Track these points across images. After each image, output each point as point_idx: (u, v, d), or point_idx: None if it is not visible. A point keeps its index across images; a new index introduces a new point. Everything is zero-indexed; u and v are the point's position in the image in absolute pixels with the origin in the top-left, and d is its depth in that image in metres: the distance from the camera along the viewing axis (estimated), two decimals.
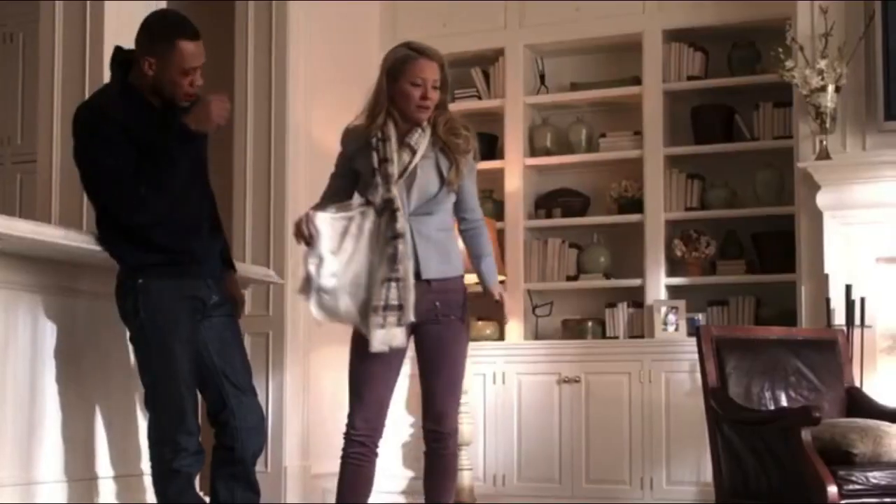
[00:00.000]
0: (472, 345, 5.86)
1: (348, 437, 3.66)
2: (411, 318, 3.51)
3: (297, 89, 5.79)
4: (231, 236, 5.73)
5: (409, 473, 6.12)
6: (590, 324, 6.09)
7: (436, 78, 3.60)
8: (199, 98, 3.54)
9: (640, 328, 5.95)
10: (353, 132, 3.67)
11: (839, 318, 5.17)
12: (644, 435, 5.74)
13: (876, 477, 3.80)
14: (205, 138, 3.60)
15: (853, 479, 3.79)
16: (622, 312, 6.01)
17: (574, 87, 6.26)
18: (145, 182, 3.43)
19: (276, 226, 5.70)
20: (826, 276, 5.26)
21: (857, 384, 4.98)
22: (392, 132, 3.57)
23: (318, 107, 5.94)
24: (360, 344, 3.59)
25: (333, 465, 5.93)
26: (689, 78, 5.98)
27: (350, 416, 3.66)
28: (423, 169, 3.58)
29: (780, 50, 5.35)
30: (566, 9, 6.14)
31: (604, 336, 6.06)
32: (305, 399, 5.79)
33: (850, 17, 5.33)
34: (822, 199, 5.28)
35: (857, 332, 5.11)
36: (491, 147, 6.33)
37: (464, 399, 5.78)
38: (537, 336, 6.22)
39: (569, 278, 6.18)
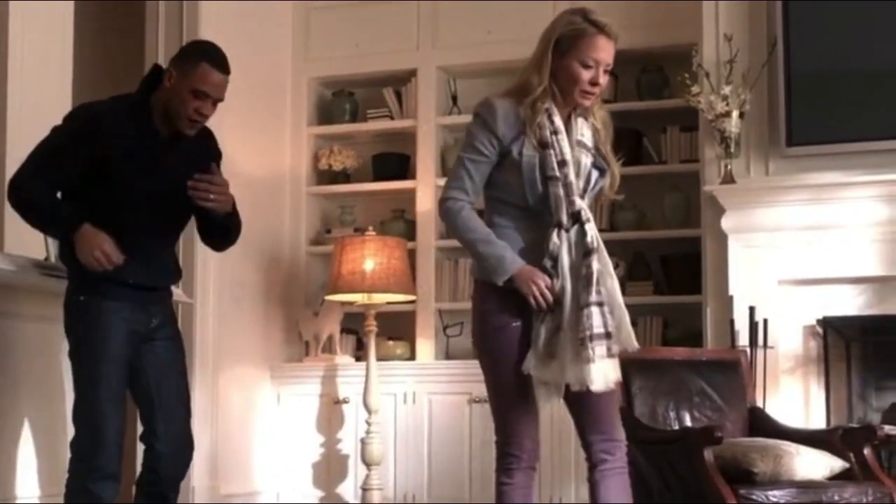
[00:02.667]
0: (381, 364, 5.96)
1: (512, 462, 3.19)
2: (621, 346, 3.05)
3: None
4: None
5: (320, 493, 6.10)
6: None
7: (610, 61, 3.08)
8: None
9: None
10: (505, 108, 3.06)
11: (743, 339, 5.27)
12: (553, 454, 5.78)
13: (775, 495, 3.87)
14: (207, 168, 3.49)
15: (753, 497, 3.86)
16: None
17: None
18: (94, 206, 3.40)
19: (185, 244, 5.64)
20: (731, 298, 5.37)
21: (760, 404, 5.09)
22: (558, 121, 3.04)
23: (227, 123, 5.89)
24: (504, 349, 3.13)
25: (242, 485, 5.98)
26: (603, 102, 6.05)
27: (510, 436, 3.18)
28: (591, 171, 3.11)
29: (687, 75, 5.46)
30: (478, 31, 6.20)
31: None
32: (214, 419, 5.75)
33: (753, 44, 5.46)
34: (726, 223, 5.39)
35: (760, 352, 5.23)
36: (403, 167, 6.36)
37: (374, 418, 5.82)
38: (448, 356, 6.24)
39: None
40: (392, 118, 6.39)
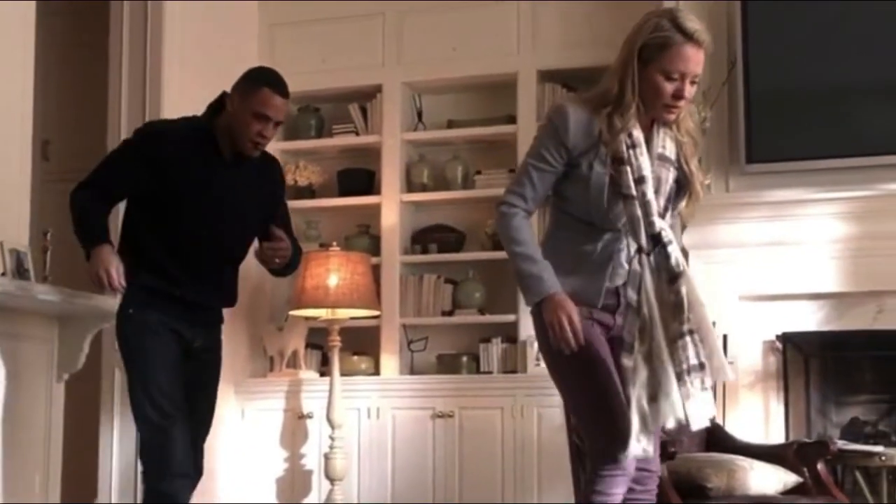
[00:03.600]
0: (345, 379, 5.97)
1: (613, 474, 2.87)
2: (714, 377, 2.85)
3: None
4: None
5: None
6: (464, 359, 6.13)
7: (698, 71, 2.84)
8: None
9: (514, 363, 6.02)
10: (579, 118, 2.85)
11: None
12: (516, 469, 5.80)
13: None
14: (280, 201, 3.78)
15: None
16: (496, 348, 6.07)
17: (451, 124, 6.34)
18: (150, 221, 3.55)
19: None
20: None
21: (720, 419, 5.13)
22: (637, 133, 2.84)
23: None
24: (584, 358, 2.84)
25: (205, 499, 5.93)
26: None
27: (612, 445, 2.83)
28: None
29: None
30: (443, 48, 6.23)
31: (478, 371, 6.11)
32: None
33: (713, 62, 5.44)
34: (686, 239, 5.42)
35: None
36: (368, 183, 6.38)
37: (337, 433, 5.82)
38: (412, 371, 6.25)
39: (444, 313, 6.22)
40: (357, 134, 6.41)
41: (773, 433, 5.34)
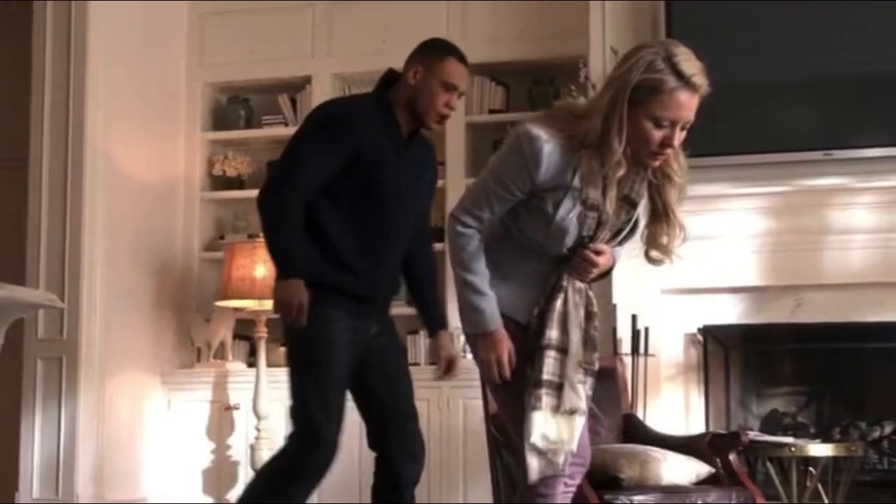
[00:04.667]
0: (272, 370, 5.95)
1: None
2: None
3: (96, 110, 5.73)
4: (24, 258, 5.63)
5: (209, 499, 6.07)
6: None
7: (691, 118, 2.62)
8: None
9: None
10: (552, 157, 2.63)
11: (626, 348, 5.36)
12: (442, 460, 5.82)
13: (640, 500, 3.94)
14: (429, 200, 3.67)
15: (618, 502, 3.91)
16: (423, 339, 6.08)
17: None
18: (329, 210, 3.42)
19: (72, 248, 5.62)
20: (614, 307, 5.45)
21: (641, 411, 5.19)
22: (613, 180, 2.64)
23: (118, 127, 5.89)
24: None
25: (130, 492, 5.93)
26: (491, 111, 6.13)
27: None
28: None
29: (574, 88, 5.53)
30: (373, 39, 6.22)
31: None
32: (100, 425, 5.70)
33: None
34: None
35: (641, 360, 5.32)
36: None
37: (264, 425, 5.81)
38: None
39: None
40: (287, 125, 6.38)
41: (694, 425, 5.41)
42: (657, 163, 2.66)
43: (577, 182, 2.64)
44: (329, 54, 6.32)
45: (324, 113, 3.60)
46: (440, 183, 5.99)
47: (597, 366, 2.82)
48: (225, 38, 6.40)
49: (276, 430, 5.92)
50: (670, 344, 5.49)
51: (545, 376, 2.72)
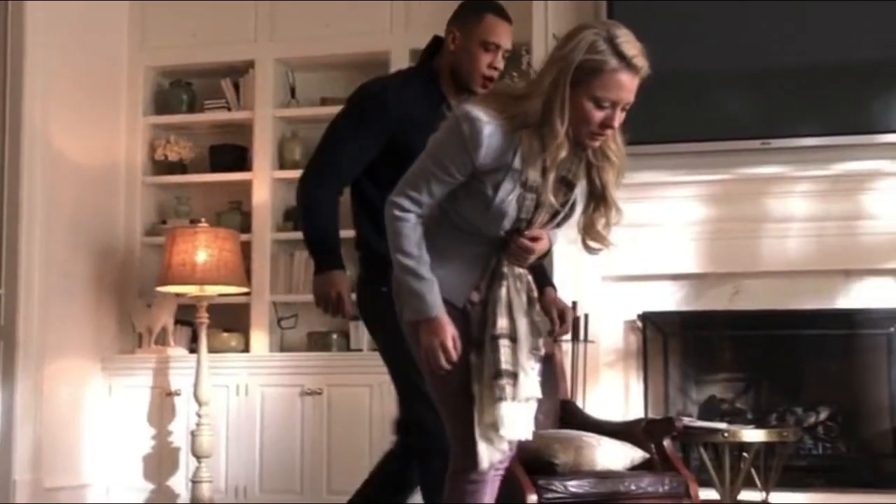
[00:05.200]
0: (215, 356, 5.94)
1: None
2: None
3: (34, 92, 5.66)
4: None
5: (150, 486, 6.04)
6: (334, 336, 6.14)
7: (631, 99, 2.63)
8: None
9: None
10: (493, 138, 2.62)
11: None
12: (384, 445, 5.78)
13: (574, 486, 3.98)
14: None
15: (552, 487, 3.95)
16: (363, 327, 6.07)
17: (324, 101, 6.32)
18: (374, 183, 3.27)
19: (9, 233, 5.57)
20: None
21: (580, 397, 5.22)
22: (552, 162, 2.63)
23: (58, 111, 5.83)
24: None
25: (69, 478, 5.89)
26: None
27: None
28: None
29: (516, 75, 5.53)
30: (316, 24, 6.20)
31: (348, 349, 6.12)
32: (38, 411, 5.66)
33: None
34: None
35: (581, 347, 5.35)
36: (240, 159, 6.34)
37: (204, 411, 5.79)
38: (283, 348, 6.24)
39: None
40: (230, 109, 6.36)
41: (633, 411, 5.45)
42: (597, 143, 2.66)
43: (517, 163, 2.63)
44: (272, 39, 6.28)
45: (359, 93, 3.48)
46: None
47: (543, 351, 2.83)
48: (167, 22, 6.35)
49: (216, 416, 5.92)
50: (610, 330, 5.52)
51: (504, 366, 2.70)
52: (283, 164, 6.30)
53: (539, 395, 2.79)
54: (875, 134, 5.32)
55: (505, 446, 2.78)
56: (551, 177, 2.65)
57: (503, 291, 2.73)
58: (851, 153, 5.34)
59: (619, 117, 2.62)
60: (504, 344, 2.71)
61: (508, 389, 2.69)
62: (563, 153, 2.62)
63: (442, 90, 3.34)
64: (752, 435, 4.52)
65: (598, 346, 5.45)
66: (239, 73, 6.35)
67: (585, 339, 5.35)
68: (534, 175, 2.63)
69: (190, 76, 6.46)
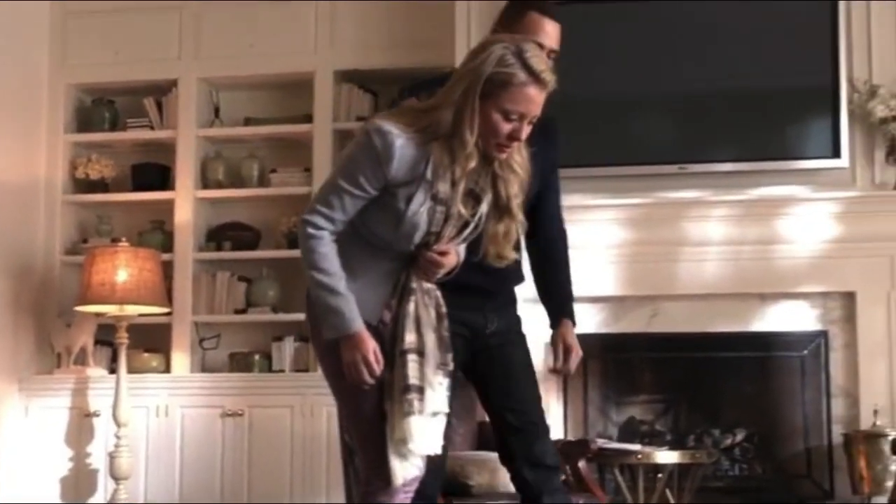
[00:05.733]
0: (135, 377, 5.88)
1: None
2: None
3: None
4: None
5: None
6: (257, 357, 6.11)
7: (538, 113, 2.68)
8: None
9: (306, 362, 6.02)
10: (405, 151, 2.65)
11: None
12: (305, 468, 5.81)
13: None
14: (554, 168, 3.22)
15: None
16: (289, 346, 6.06)
17: (248, 121, 6.31)
18: None
19: None
20: None
21: None
22: (459, 171, 2.68)
23: None
24: None
25: None
26: (359, 118, 6.12)
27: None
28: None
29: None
30: (241, 44, 6.19)
31: (270, 369, 6.10)
32: None
33: None
34: None
35: None
36: (162, 178, 6.30)
37: (123, 432, 5.73)
38: (204, 369, 6.20)
39: (237, 311, 6.19)
40: (152, 128, 6.32)
41: (553, 432, 5.45)
42: (504, 155, 2.70)
43: (429, 174, 2.66)
44: (196, 57, 6.26)
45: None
46: (306, 190, 6.03)
47: (451, 366, 2.83)
48: (89, 39, 6.30)
49: (136, 438, 5.86)
50: (531, 352, 5.53)
51: (411, 381, 2.72)
52: (206, 183, 6.27)
53: (446, 409, 2.81)
54: (789, 160, 5.45)
55: (417, 462, 2.79)
56: (460, 189, 2.68)
57: (411, 307, 2.76)
58: (766, 178, 5.45)
59: (526, 130, 2.67)
60: (412, 359, 2.74)
61: (416, 404, 2.72)
62: (473, 164, 2.67)
63: None
64: (666, 456, 4.57)
65: None
66: (162, 91, 6.31)
67: None
68: (444, 187, 2.67)
69: (112, 94, 6.40)
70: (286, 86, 6.29)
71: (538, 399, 3.25)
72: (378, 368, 2.72)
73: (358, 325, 2.71)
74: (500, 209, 2.78)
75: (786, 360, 5.54)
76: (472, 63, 2.64)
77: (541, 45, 2.93)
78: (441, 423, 2.81)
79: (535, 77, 2.63)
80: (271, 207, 6.24)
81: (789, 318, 5.48)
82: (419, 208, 2.67)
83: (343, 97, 6.13)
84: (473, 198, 2.74)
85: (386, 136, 2.64)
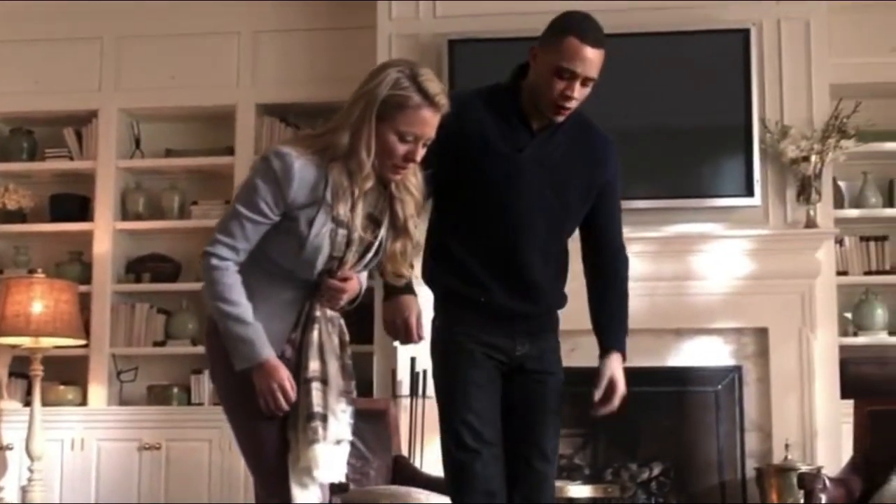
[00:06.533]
0: (50, 409, 5.81)
1: None
2: None
3: None
4: None
5: None
6: (175, 390, 6.07)
7: (432, 135, 2.72)
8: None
9: None
10: (304, 172, 2.67)
11: (405, 390, 5.42)
12: (223, 501, 5.77)
13: None
14: (607, 188, 3.06)
15: None
16: (208, 379, 6.02)
17: (169, 153, 6.29)
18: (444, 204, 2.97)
19: None
20: (395, 349, 5.51)
21: (418, 453, 5.24)
22: (358, 193, 2.71)
23: None
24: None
25: None
26: None
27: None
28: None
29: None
30: (162, 76, 6.18)
31: (189, 402, 6.06)
32: None
33: None
34: None
35: (421, 402, 5.38)
36: (82, 209, 6.25)
37: (37, 466, 5.65)
38: (122, 402, 6.14)
39: (156, 344, 6.15)
40: (72, 158, 6.28)
41: None
42: (399, 177, 2.74)
43: (328, 196, 2.68)
44: (117, 88, 6.24)
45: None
46: None
47: (354, 393, 2.84)
48: (9, 68, 6.25)
49: (50, 472, 5.77)
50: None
51: (315, 409, 2.73)
52: (125, 214, 6.24)
53: (349, 437, 2.82)
54: (704, 198, 5.54)
55: (317, 491, 2.79)
56: (359, 211, 2.71)
57: (315, 335, 2.77)
58: (681, 216, 5.53)
59: (420, 152, 2.72)
60: (316, 387, 2.75)
61: (321, 431, 2.73)
62: (370, 184, 2.70)
63: (523, 109, 2.99)
64: (579, 491, 4.61)
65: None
66: (82, 121, 6.28)
67: (424, 395, 5.38)
68: (343, 209, 2.69)
69: (31, 124, 6.36)
70: (208, 118, 6.28)
71: (552, 447, 3.15)
72: (293, 395, 2.72)
73: (268, 352, 2.70)
74: (398, 229, 2.81)
75: (701, 395, 5.60)
76: (368, 86, 2.69)
77: (573, 73, 2.88)
78: (345, 450, 2.82)
79: (430, 100, 2.67)
80: (192, 239, 6.21)
81: (704, 353, 5.56)
82: (321, 230, 2.69)
83: (265, 130, 6.14)
84: (373, 221, 2.77)
85: (284, 159, 2.66)
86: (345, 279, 2.78)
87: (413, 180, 2.80)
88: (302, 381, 2.75)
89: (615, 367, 3.20)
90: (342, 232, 2.70)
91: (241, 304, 2.70)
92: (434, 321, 3.06)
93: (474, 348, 2.98)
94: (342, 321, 2.85)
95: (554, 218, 3.02)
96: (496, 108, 2.98)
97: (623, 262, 3.22)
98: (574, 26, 2.90)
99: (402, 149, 2.68)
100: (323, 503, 2.85)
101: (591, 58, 2.90)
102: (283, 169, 2.65)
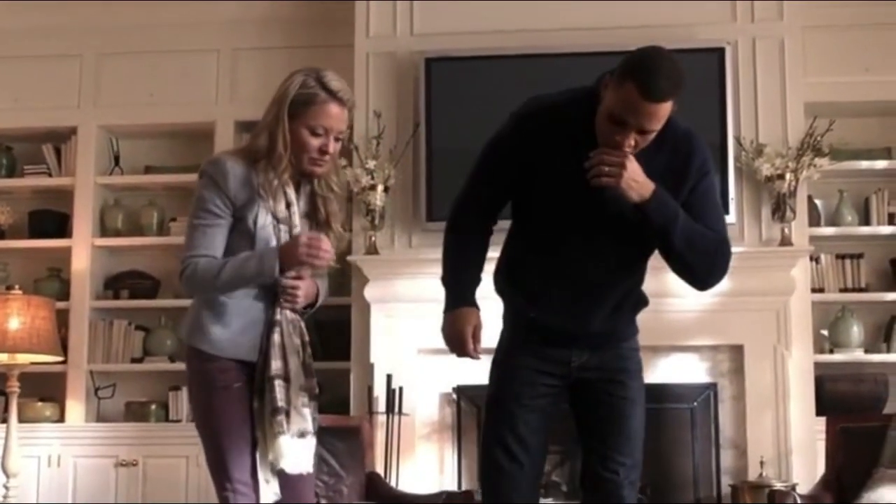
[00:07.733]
0: (27, 426, 5.79)
1: None
2: None
3: None
4: None
5: None
6: (153, 406, 6.07)
7: (342, 128, 2.97)
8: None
9: None
10: (237, 170, 2.93)
11: (382, 406, 5.42)
12: None
13: None
14: (690, 190, 2.89)
15: None
16: (186, 396, 6.02)
17: (148, 170, 6.30)
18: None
19: None
20: (372, 366, 5.52)
21: (393, 470, 5.24)
22: (291, 192, 2.96)
23: None
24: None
25: None
26: None
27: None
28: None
29: None
30: (141, 93, 6.20)
31: (167, 419, 6.05)
32: None
33: (400, 121, 5.70)
34: (369, 292, 5.57)
35: (396, 419, 5.39)
36: (60, 225, 6.25)
37: (13, 482, 5.63)
38: (99, 418, 6.13)
39: (134, 360, 6.15)
40: (51, 175, 6.29)
41: (448, 483, 5.50)
42: (320, 170, 2.98)
43: (262, 192, 2.92)
44: (96, 105, 6.25)
45: (511, 115, 3.02)
46: None
47: (317, 390, 3.01)
48: None
49: (26, 488, 5.76)
50: (426, 403, 5.58)
51: (279, 403, 2.91)
52: (104, 231, 6.25)
53: (311, 429, 2.98)
54: None
55: (275, 488, 2.96)
56: (295, 209, 2.95)
57: (277, 337, 2.96)
58: None
59: (334, 146, 2.97)
60: (279, 384, 2.94)
61: (285, 424, 2.92)
62: (287, 175, 2.93)
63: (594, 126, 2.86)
64: None
65: (413, 419, 5.50)
66: (61, 138, 6.29)
67: (400, 412, 5.40)
68: (280, 207, 2.94)
69: (10, 140, 6.37)
70: (187, 135, 6.29)
71: (622, 452, 3.10)
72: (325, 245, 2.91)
73: (271, 252, 2.92)
74: (320, 224, 3.04)
75: (676, 412, 5.61)
76: (279, 91, 2.97)
77: (626, 123, 2.71)
78: (310, 443, 2.98)
79: (334, 95, 2.93)
80: (170, 256, 6.20)
81: (679, 370, 5.57)
82: (265, 223, 2.93)
83: None
84: (312, 220, 3.02)
85: (216, 161, 2.97)
86: (297, 278, 2.97)
87: (335, 178, 3.07)
88: (266, 380, 2.93)
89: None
90: (283, 228, 2.94)
91: (221, 264, 2.89)
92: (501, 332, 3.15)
93: (527, 363, 3.01)
94: (303, 324, 3.03)
95: (620, 234, 2.92)
96: (572, 123, 2.87)
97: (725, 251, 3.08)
98: (639, 74, 2.68)
99: (315, 142, 2.93)
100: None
101: (651, 112, 2.69)
102: (217, 170, 2.93)
